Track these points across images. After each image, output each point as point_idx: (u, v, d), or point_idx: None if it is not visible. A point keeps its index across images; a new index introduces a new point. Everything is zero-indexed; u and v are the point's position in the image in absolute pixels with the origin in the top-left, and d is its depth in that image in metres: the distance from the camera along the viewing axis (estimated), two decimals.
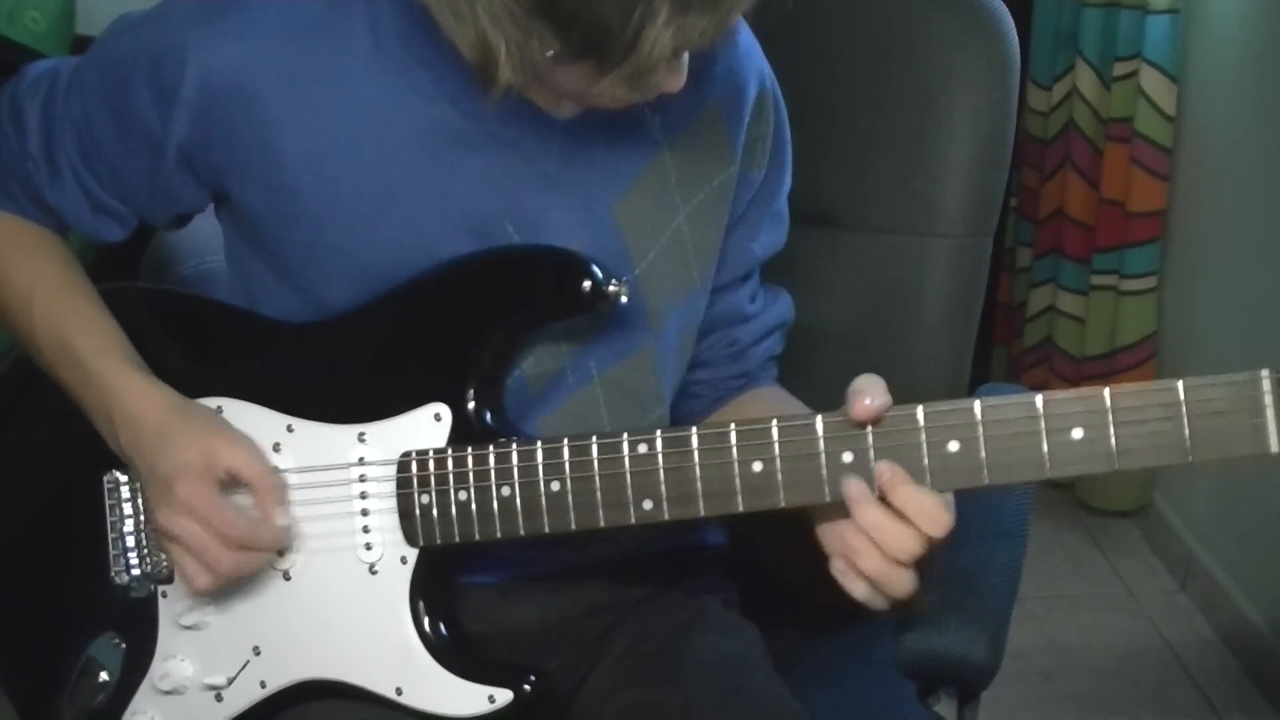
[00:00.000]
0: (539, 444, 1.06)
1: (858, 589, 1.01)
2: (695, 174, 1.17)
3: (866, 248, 1.48)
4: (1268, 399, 0.92)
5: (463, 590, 1.16)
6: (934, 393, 1.46)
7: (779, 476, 1.01)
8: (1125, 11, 2.57)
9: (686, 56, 0.99)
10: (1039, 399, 0.95)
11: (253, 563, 1.11)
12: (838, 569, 1.01)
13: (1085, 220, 2.75)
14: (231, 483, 1.11)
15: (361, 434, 1.12)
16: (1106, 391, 0.94)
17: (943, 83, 1.43)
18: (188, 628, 1.16)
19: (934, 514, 0.98)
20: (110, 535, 1.19)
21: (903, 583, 1.00)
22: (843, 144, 1.47)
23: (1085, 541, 2.80)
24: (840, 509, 1.01)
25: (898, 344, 1.48)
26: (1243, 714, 2.33)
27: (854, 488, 0.99)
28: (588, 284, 1.08)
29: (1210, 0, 2.52)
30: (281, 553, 1.13)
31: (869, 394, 0.98)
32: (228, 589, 1.14)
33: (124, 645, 1.19)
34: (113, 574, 1.19)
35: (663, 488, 1.03)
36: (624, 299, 1.09)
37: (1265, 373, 0.92)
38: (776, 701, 1.20)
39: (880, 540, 0.98)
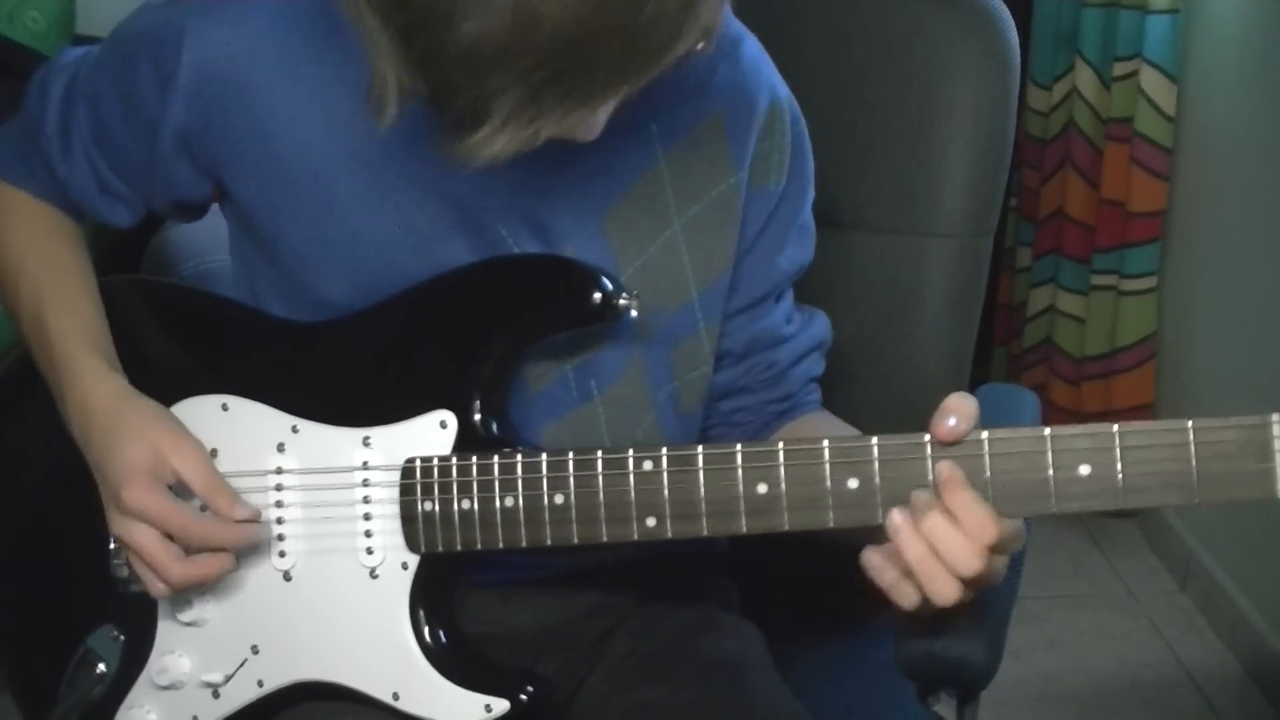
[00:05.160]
0: (544, 455, 1.06)
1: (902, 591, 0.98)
2: (693, 185, 1.15)
3: (866, 248, 1.48)
4: (1277, 444, 0.91)
5: (463, 592, 1.16)
6: (934, 393, 1.47)
7: (784, 500, 1.01)
8: (1125, 11, 2.57)
9: (601, 113, 0.96)
10: (1047, 433, 0.95)
11: (216, 566, 1.10)
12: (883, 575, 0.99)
13: (1085, 220, 2.75)
14: (180, 486, 1.10)
15: (366, 438, 1.12)
16: (1115, 429, 0.94)
17: (943, 82, 1.43)
18: (187, 624, 1.16)
19: (984, 521, 0.95)
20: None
21: (946, 584, 0.96)
22: (843, 144, 1.47)
23: (1085, 541, 2.80)
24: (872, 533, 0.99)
25: (898, 344, 1.48)
26: (1242, 714, 2.33)
27: (917, 497, 0.97)
28: (598, 296, 1.08)
29: (1210, 0, 2.52)
30: (283, 553, 1.14)
31: (954, 415, 0.97)
32: (227, 587, 1.14)
33: (123, 638, 1.19)
34: (112, 567, 1.19)
35: (666, 505, 1.03)
36: (634, 313, 1.09)
37: (1276, 416, 0.91)
38: (777, 702, 1.20)
39: (938, 545, 0.96)
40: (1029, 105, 2.88)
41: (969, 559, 0.95)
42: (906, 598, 0.99)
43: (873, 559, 0.99)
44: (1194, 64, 2.57)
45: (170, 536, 1.09)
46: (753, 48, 1.18)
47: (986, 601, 1.23)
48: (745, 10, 1.21)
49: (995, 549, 0.97)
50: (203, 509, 1.11)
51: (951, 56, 1.43)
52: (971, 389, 1.50)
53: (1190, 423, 0.93)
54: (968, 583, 0.97)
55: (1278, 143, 2.31)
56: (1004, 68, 1.43)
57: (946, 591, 0.97)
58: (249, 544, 1.12)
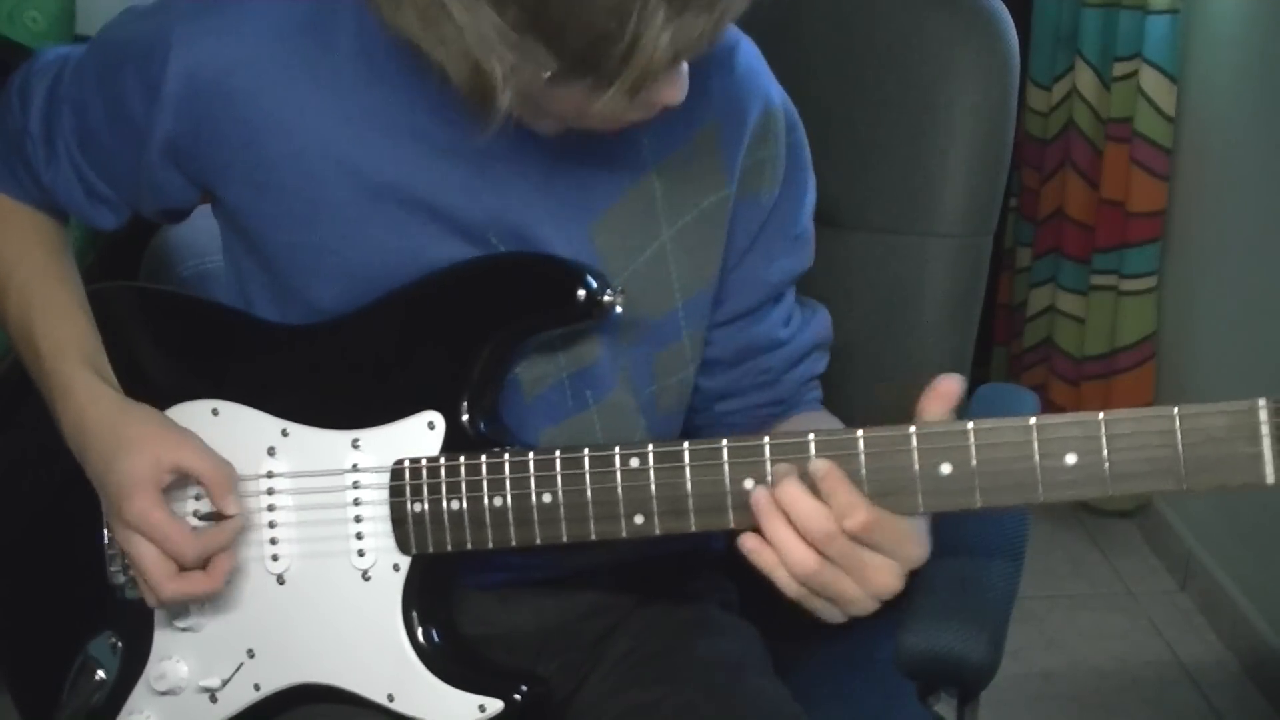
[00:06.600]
0: (531, 455, 1.06)
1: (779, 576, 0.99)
2: (684, 196, 1.14)
3: (866, 248, 1.48)
4: (1265, 429, 0.90)
5: (462, 594, 1.15)
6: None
7: None
8: (1125, 11, 2.57)
9: (685, 66, 0.97)
10: (1033, 422, 0.95)
11: (206, 585, 1.11)
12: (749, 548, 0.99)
13: (1085, 220, 2.75)
14: (181, 480, 1.11)
15: (356, 440, 1.12)
16: (1101, 416, 0.93)
17: (942, 83, 1.42)
18: (183, 629, 1.16)
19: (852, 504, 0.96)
20: (107, 535, 1.19)
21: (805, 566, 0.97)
22: (843, 144, 1.46)
23: (1085, 541, 2.80)
24: None
25: (897, 344, 1.48)
26: (1242, 714, 2.33)
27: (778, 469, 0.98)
28: (582, 292, 1.08)
29: (1210, 0, 2.52)
30: (276, 557, 1.13)
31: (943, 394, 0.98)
32: (222, 592, 1.14)
33: (121, 645, 1.19)
34: (110, 574, 1.19)
35: (654, 502, 1.03)
36: (619, 309, 1.09)
37: (1262, 402, 0.91)
38: (776, 703, 1.19)
39: (793, 515, 0.97)
40: (1029, 105, 2.88)
41: (822, 523, 0.96)
42: (783, 583, 0.99)
43: (748, 541, 0.99)
44: (1194, 64, 2.56)
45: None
46: (748, 54, 1.17)
47: (987, 601, 1.23)
48: (745, 11, 1.21)
49: (872, 545, 0.97)
50: (199, 514, 1.12)
51: (951, 56, 1.43)
52: (971, 389, 1.51)
53: (1177, 409, 0.92)
54: (833, 560, 0.97)
55: (1278, 143, 2.31)
56: (1004, 68, 1.43)
57: (804, 561, 0.97)
58: (237, 555, 1.12)
